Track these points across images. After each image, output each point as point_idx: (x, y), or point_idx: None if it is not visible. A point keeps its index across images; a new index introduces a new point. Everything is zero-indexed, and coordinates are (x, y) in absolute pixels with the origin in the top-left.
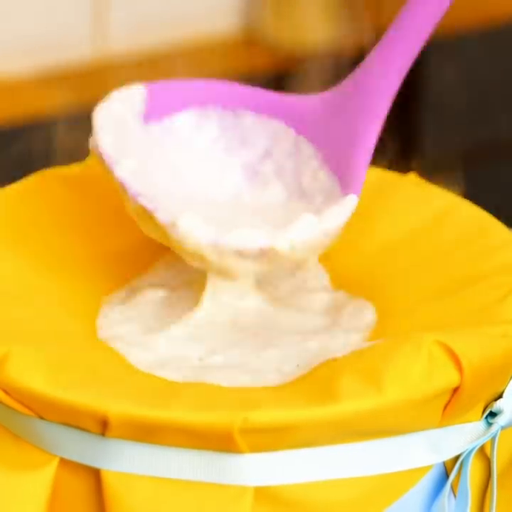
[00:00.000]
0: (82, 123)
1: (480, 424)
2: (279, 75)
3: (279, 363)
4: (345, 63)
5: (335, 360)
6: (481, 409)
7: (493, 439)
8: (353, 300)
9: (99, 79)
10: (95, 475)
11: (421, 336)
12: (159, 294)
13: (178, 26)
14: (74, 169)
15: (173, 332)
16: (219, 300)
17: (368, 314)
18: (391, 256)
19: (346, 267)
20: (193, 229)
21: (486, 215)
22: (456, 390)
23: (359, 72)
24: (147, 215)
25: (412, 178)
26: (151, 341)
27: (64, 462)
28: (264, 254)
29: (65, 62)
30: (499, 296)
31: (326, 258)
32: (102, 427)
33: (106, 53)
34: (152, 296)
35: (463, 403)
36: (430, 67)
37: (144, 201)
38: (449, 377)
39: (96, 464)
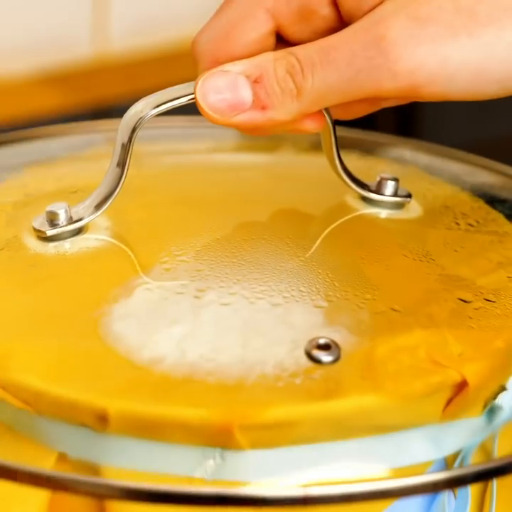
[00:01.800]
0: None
1: (481, 420)
2: None
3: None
4: None
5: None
6: (482, 404)
7: (494, 435)
8: (353, 299)
9: (99, 79)
10: (95, 471)
11: (420, 333)
12: (160, 291)
13: (178, 26)
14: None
15: (175, 329)
16: (222, 299)
17: (368, 314)
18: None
19: (345, 267)
20: None
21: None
22: (457, 387)
23: None
24: None
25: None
26: (152, 338)
27: (63, 458)
28: None
29: (65, 62)
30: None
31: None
32: (102, 422)
33: (106, 53)
34: (153, 294)
35: (463, 401)
36: None
37: None
38: (449, 374)
39: (95, 460)
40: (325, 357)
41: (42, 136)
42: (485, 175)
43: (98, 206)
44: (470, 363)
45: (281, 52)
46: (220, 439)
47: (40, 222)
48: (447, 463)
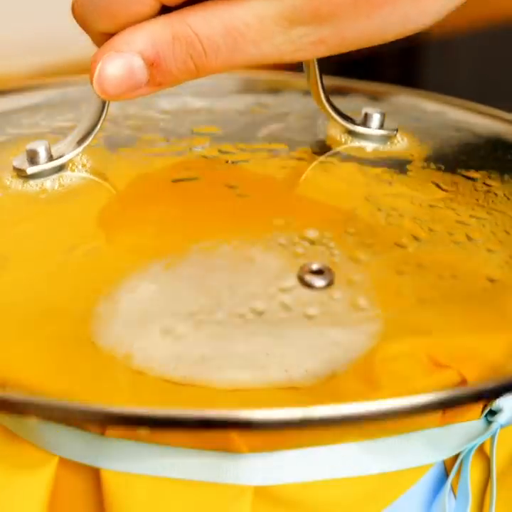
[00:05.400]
0: None
1: (479, 423)
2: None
3: (287, 365)
4: (345, 63)
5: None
6: (481, 407)
7: (492, 438)
8: (355, 300)
9: None
10: (95, 474)
11: (419, 334)
12: (158, 290)
13: None
14: None
15: (174, 332)
16: (221, 294)
17: (366, 317)
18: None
19: (343, 271)
20: None
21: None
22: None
23: None
24: None
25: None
26: (151, 340)
27: (63, 461)
28: None
29: (65, 62)
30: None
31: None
32: (101, 426)
33: None
34: (150, 293)
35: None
36: (430, 67)
37: None
38: (448, 375)
39: (95, 463)
40: (318, 282)
41: (19, 89)
42: (489, 122)
43: (80, 141)
44: (470, 364)
45: (179, 26)
46: (218, 441)
47: (20, 160)
48: (446, 465)
